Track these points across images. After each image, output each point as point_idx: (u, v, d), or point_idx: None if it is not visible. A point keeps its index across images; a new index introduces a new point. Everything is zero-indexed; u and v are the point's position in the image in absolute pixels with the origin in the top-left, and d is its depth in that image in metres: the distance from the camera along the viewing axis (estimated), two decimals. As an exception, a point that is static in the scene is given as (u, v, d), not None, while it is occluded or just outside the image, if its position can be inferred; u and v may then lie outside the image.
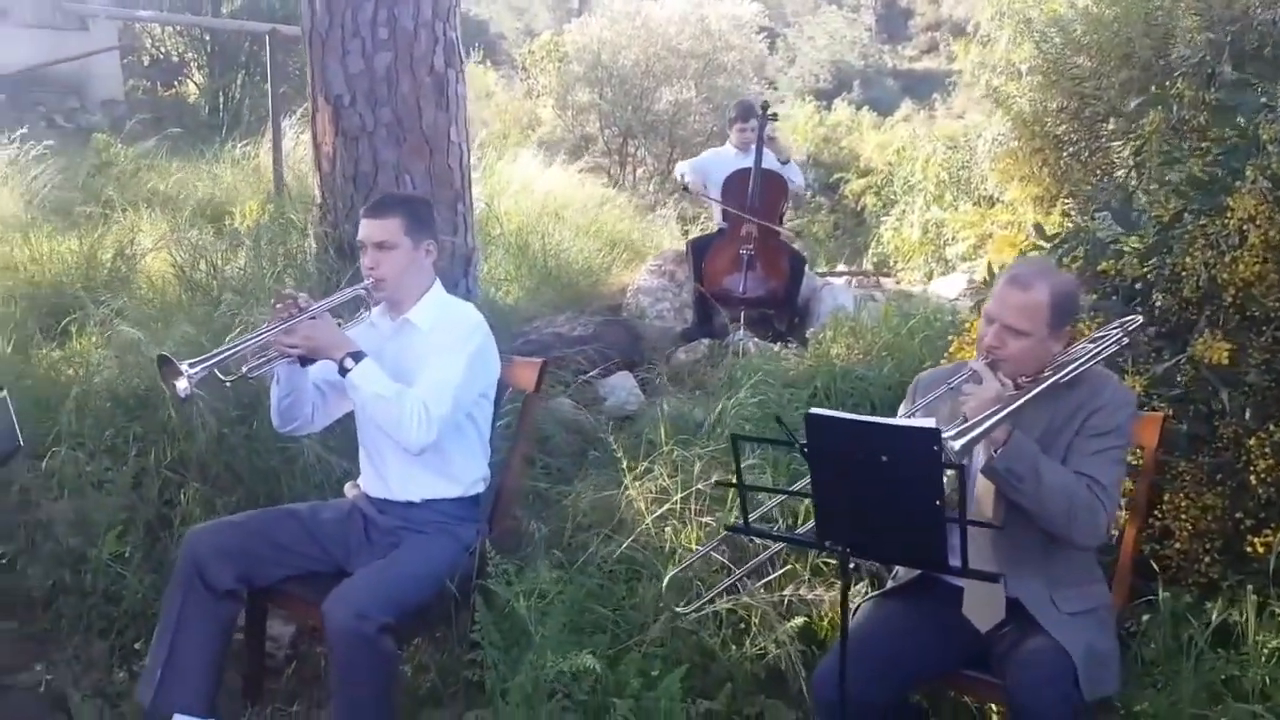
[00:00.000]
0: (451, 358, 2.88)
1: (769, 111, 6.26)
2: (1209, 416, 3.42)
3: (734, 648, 3.09)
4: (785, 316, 6.02)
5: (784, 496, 2.94)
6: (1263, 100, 3.53)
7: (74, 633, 3.33)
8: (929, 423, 2.06)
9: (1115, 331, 2.78)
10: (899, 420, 2.25)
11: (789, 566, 3.24)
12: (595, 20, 15.26)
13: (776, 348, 5.53)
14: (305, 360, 2.87)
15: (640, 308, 6.12)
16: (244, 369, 2.83)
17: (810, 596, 3.18)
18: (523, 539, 3.24)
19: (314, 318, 2.80)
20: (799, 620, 3.10)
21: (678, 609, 2.70)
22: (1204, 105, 4.32)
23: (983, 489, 2.68)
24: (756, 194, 6.02)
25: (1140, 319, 2.90)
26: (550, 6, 29.92)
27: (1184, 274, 3.44)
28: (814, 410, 2.20)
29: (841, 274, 6.51)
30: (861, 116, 21.00)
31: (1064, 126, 7.13)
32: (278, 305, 2.82)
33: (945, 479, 2.21)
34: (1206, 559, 3.30)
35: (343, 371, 2.79)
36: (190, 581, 2.82)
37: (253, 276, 4.84)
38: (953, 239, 9.95)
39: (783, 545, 3.12)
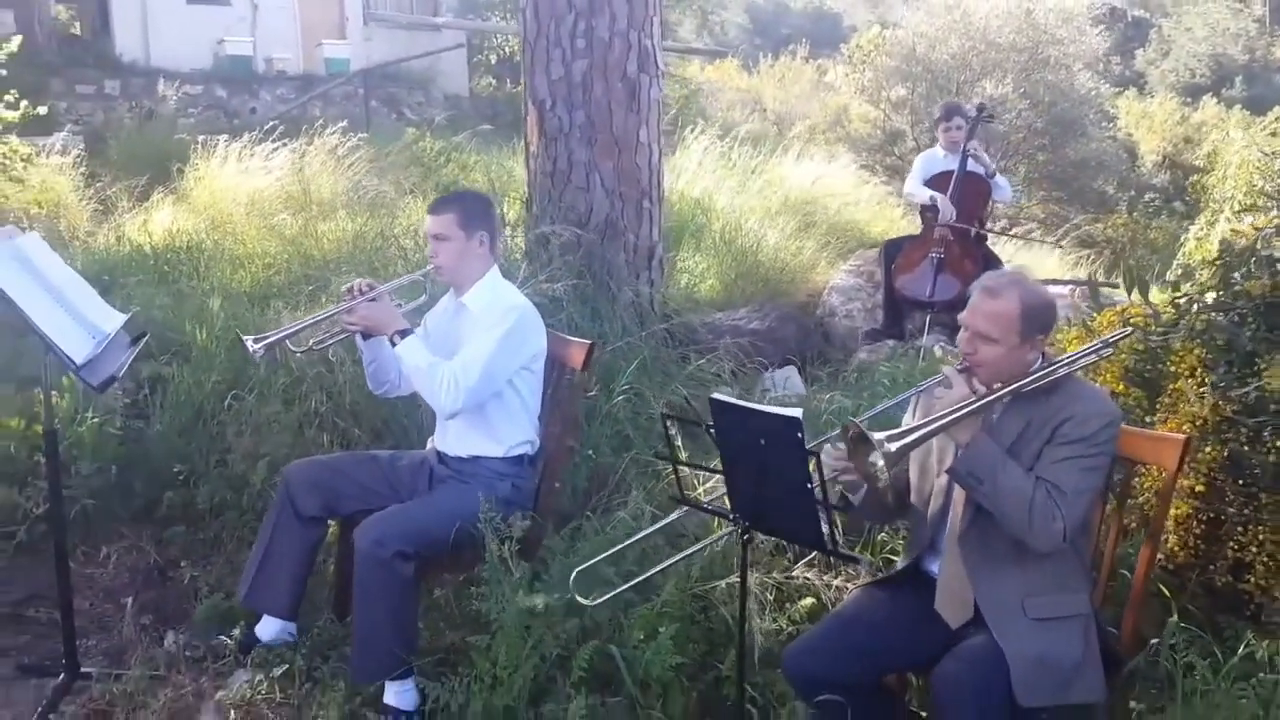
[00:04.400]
0: (486, 335, 3.26)
1: (984, 114, 6.13)
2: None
3: (758, 619, 3.30)
4: (979, 322, 5.87)
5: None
6: None
7: (230, 542, 4.05)
8: (795, 411, 2.23)
9: (1097, 344, 2.74)
10: (768, 407, 2.41)
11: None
12: (913, 13, 15.11)
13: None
14: (365, 335, 3.37)
15: (831, 306, 6.20)
16: (310, 342, 3.38)
17: (823, 581, 3.35)
18: (563, 501, 3.59)
19: (374, 299, 3.29)
20: (808, 601, 3.27)
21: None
22: None
23: (960, 491, 2.76)
24: (955, 197, 5.92)
25: (1129, 330, 2.83)
26: None
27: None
28: (714, 395, 2.42)
29: (1066, 283, 6.23)
30: (1230, 115, 19.25)
31: None
32: (345, 290, 3.34)
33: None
34: (1282, 595, 3.14)
35: (392, 344, 3.28)
36: (283, 506, 3.40)
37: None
38: (1255, 253, 9.11)
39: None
